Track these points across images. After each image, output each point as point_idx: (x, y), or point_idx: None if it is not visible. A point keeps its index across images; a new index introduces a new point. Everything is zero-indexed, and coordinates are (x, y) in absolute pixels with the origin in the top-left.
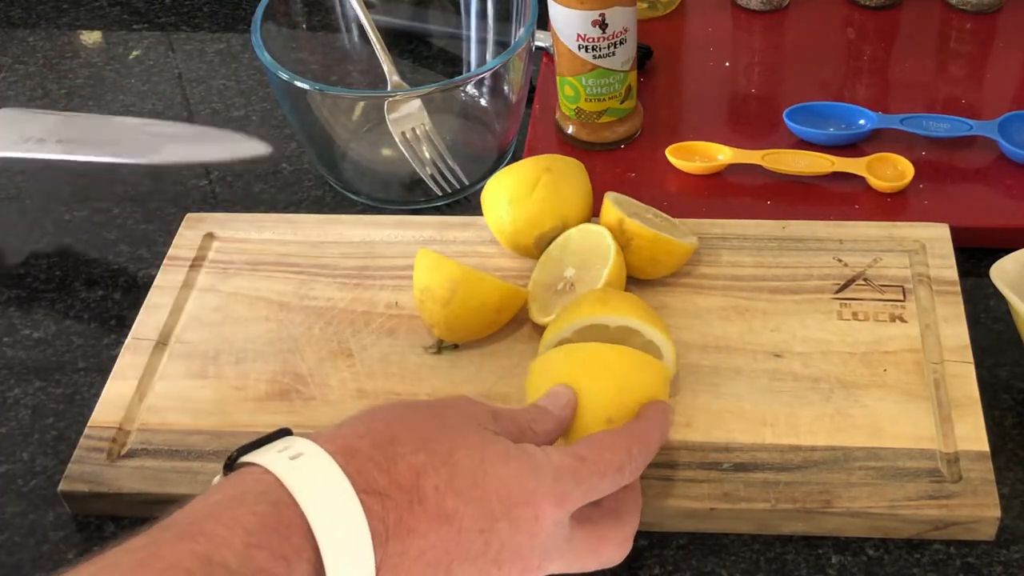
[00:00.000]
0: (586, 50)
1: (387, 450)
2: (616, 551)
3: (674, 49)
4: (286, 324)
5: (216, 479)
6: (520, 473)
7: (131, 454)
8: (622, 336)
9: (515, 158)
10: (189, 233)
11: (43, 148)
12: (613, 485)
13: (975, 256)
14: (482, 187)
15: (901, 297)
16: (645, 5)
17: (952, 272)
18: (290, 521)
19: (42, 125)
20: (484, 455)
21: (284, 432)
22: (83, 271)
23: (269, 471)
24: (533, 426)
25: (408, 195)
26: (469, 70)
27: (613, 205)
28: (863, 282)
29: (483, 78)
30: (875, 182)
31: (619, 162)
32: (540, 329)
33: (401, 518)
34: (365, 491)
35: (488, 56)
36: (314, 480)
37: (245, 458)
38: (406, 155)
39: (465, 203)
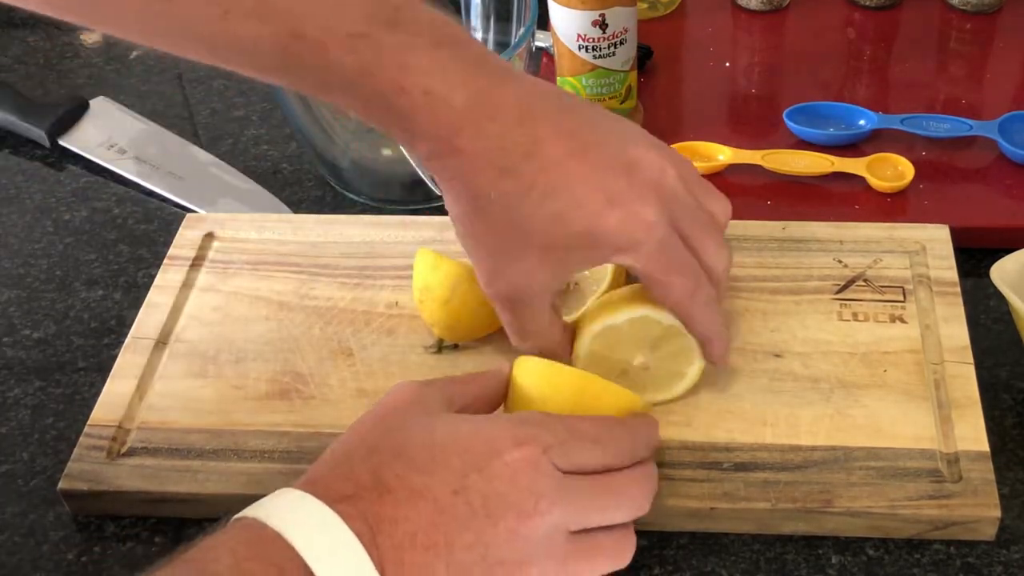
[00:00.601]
0: (586, 50)
1: (343, 466)
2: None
3: (674, 49)
4: (286, 324)
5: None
6: (473, 429)
7: (131, 453)
8: (668, 335)
9: None
10: (189, 233)
11: (121, 161)
12: (588, 451)
13: (975, 256)
14: None
15: (901, 298)
16: (645, 5)
17: (952, 273)
18: (274, 537)
19: (128, 133)
20: (433, 432)
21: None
22: (83, 271)
23: (242, 517)
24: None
25: (408, 195)
26: None
27: None
28: (863, 283)
29: None
30: (875, 182)
31: None
32: None
33: (377, 512)
34: (335, 501)
35: None
36: (284, 508)
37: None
38: (406, 155)
39: None
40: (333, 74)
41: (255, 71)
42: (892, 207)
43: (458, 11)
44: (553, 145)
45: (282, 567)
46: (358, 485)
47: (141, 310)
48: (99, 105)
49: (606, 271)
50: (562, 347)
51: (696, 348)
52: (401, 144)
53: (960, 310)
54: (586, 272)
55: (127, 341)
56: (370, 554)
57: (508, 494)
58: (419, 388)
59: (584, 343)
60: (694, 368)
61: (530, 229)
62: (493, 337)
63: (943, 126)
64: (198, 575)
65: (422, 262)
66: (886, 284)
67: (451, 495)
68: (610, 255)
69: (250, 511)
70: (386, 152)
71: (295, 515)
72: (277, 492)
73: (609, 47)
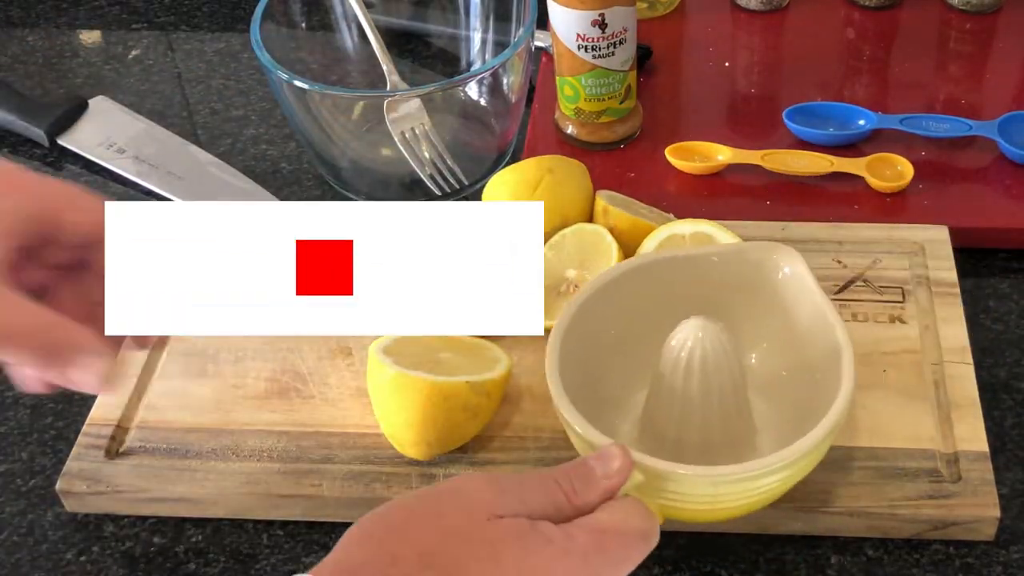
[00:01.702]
0: (586, 50)
1: (390, 572)
2: None
3: (674, 49)
4: None
5: None
6: (546, 565)
7: (129, 452)
8: (699, 242)
9: (514, 158)
10: None
11: (120, 160)
12: (641, 555)
13: (975, 256)
14: (482, 187)
15: (900, 298)
16: (645, 5)
17: (951, 274)
18: None
19: (127, 133)
20: (499, 558)
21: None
22: None
23: None
24: (572, 499)
25: (408, 195)
26: (469, 70)
27: (601, 197)
28: (862, 283)
29: (483, 78)
30: (875, 182)
31: (618, 162)
32: None
33: None
34: None
35: (488, 56)
36: None
37: None
38: (405, 155)
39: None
40: None
41: None
42: (891, 207)
43: (458, 11)
44: None
45: None
46: None
47: None
48: (98, 104)
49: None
50: None
51: None
52: None
53: (959, 310)
54: (586, 274)
55: (126, 340)
56: None
57: None
58: (494, 487)
59: None
60: None
61: None
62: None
63: (943, 126)
64: None
65: (381, 392)
66: (885, 284)
67: None
68: None
69: None
70: (385, 152)
71: None
72: None
73: (609, 47)
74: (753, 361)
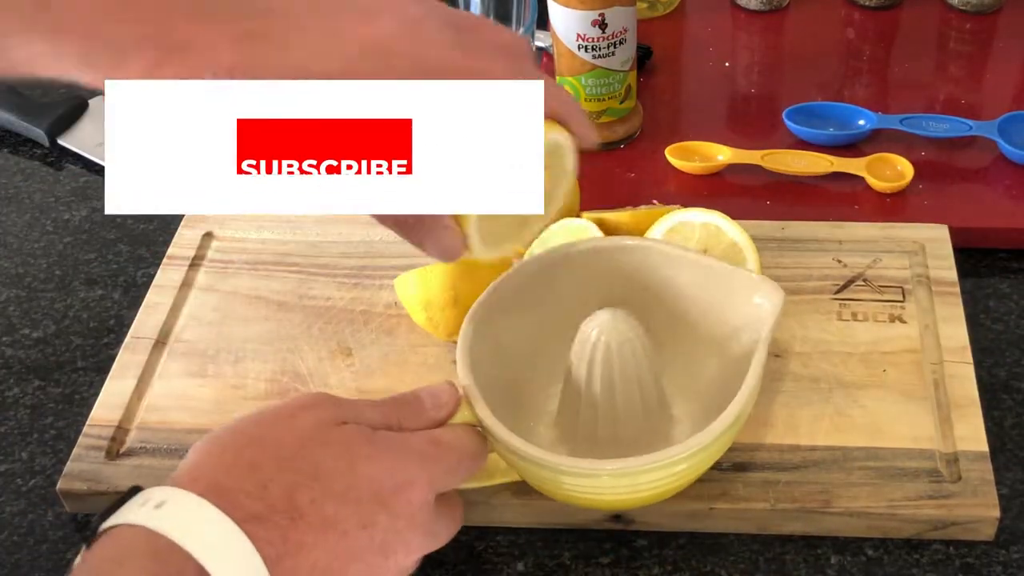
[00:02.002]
0: (586, 50)
1: (252, 478)
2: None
3: (674, 49)
4: (285, 323)
5: (78, 558)
6: (389, 465)
7: (130, 453)
8: (710, 233)
9: None
10: (188, 232)
11: None
12: (469, 471)
13: (975, 256)
14: None
15: (900, 298)
16: (645, 5)
17: (951, 273)
18: (180, 569)
19: None
20: (352, 457)
21: (135, 489)
22: (82, 270)
23: (138, 526)
24: (403, 423)
25: None
26: None
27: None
28: (862, 283)
29: None
30: (874, 182)
31: (619, 162)
32: None
33: (286, 536)
34: (245, 520)
35: None
36: (190, 521)
37: (106, 524)
38: None
39: None
40: None
41: None
42: (891, 207)
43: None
44: None
45: None
46: (270, 506)
47: (140, 310)
48: (99, 104)
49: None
50: None
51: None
52: None
53: (959, 310)
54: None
55: (126, 341)
56: (270, 572)
57: (403, 532)
58: (335, 401)
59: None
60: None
61: None
62: None
63: (943, 126)
64: None
65: (408, 286)
66: (885, 284)
67: (359, 528)
68: None
69: (137, 516)
70: None
71: (206, 536)
72: (172, 494)
73: (608, 47)
74: (676, 354)
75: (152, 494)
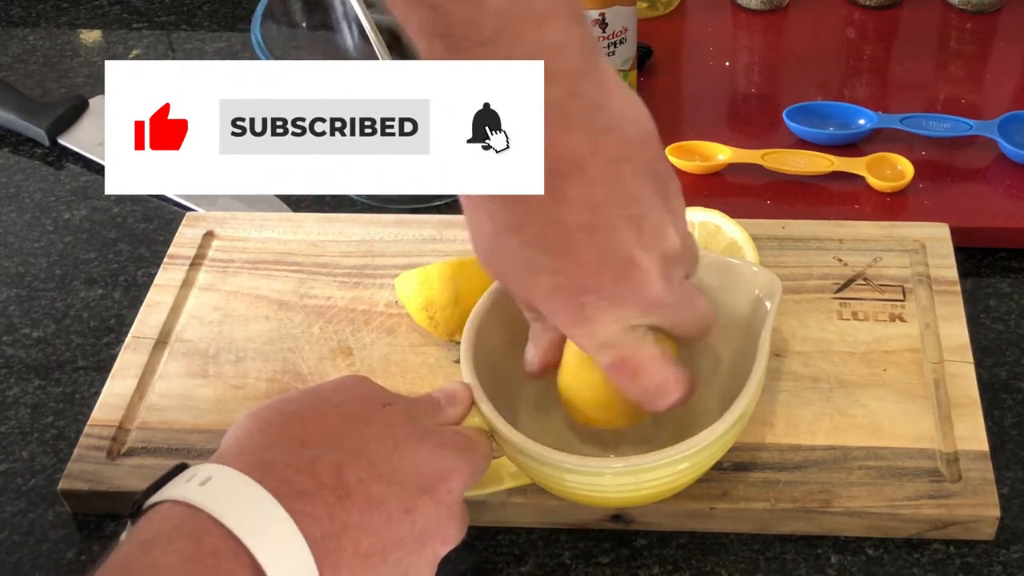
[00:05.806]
0: None
1: (300, 454)
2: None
3: (674, 49)
4: (286, 323)
5: (124, 533)
6: (432, 451)
7: (131, 452)
8: (708, 232)
9: None
10: (189, 232)
11: None
12: (484, 472)
13: (975, 256)
14: None
15: (901, 297)
16: (645, 5)
17: (952, 272)
18: (214, 549)
19: None
20: (396, 439)
21: (181, 466)
22: (83, 270)
23: (180, 502)
24: (424, 418)
25: (409, 195)
26: None
27: None
28: (863, 282)
29: None
30: (875, 182)
31: None
32: None
33: (333, 514)
34: (292, 496)
35: None
36: (233, 496)
37: (152, 499)
38: None
39: None
40: None
41: None
42: (892, 207)
43: None
44: None
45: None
46: (318, 482)
47: (141, 309)
48: (99, 103)
49: None
50: None
51: None
52: None
53: (960, 309)
54: None
55: (127, 340)
56: (312, 552)
57: (442, 520)
58: (378, 386)
59: None
60: None
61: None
62: None
63: (943, 126)
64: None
65: (409, 286)
66: (886, 283)
67: (402, 512)
68: None
69: (181, 492)
70: None
71: (250, 514)
72: (217, 471)
73: (609, 47)
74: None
75: (199, 470)
